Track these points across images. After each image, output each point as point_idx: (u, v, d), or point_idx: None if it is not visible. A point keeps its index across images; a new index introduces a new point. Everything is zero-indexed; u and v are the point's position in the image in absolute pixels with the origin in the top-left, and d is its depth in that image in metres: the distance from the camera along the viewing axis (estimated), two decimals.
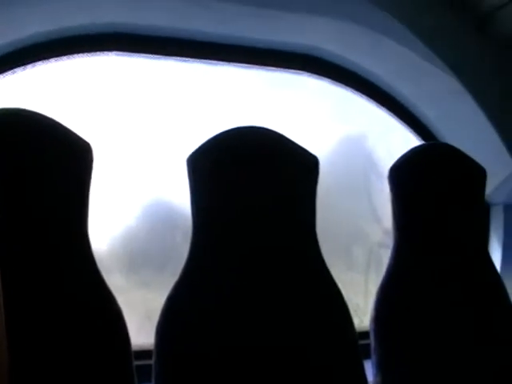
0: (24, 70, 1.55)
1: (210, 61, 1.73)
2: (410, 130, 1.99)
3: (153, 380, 1.09)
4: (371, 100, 1.93)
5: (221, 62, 1.73)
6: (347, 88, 1.89)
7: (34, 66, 1.56)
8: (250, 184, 1.21)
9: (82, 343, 1.01)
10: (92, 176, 1.12)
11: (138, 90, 1.71)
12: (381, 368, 1.30)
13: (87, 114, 1.62)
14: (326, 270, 1.24)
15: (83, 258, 1.07)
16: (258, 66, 1.77)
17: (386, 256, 1.65)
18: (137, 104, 1.71)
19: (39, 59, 1.55)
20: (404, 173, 1.43)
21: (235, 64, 1.75)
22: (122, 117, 1.69)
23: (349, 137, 1.97)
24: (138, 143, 1.70)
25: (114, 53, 1.63)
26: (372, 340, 1.33)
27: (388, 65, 1.84)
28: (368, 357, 1.31)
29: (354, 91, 1.90)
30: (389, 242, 1.63)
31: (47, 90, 1.60)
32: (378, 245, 1.95)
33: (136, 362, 1.08)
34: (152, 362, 1.11)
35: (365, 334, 1.36)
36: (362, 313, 1.76)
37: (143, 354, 1.31)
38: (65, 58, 1.58)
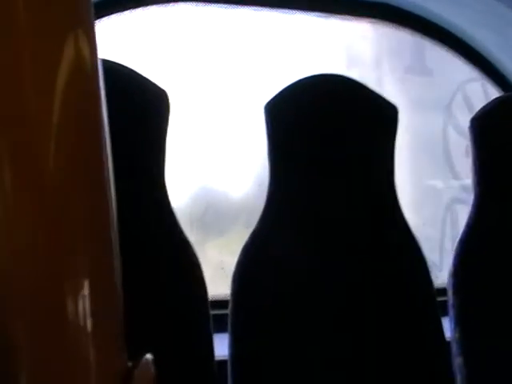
0: (99, 22, 1.56)
1: (285, 9, 1.69)
2: (491, 81, 1.90)
3: (229, 329, 1.10)
4: (451, 50, 1.84)
5: (297, 11, 1.69)
6: (426, 38, 1.81)
7: (109, 18, 1.56)
8: (328, 132, 1.19)
9: (161, 289, 1.03)
10: (169, 124, 1.12)
11: (212, 40, 1.70)
12: (459, 324, 1.26)
13: (163, 64, 1.62)
14: (404, 222, 1.21)
15: (162, 207, 1.08)
16: (336, 16, 1.72)
17: (462, 212, 1.60)
18: (211, 54, 1.70)
19: (114, 11, 1.56)
20: (487, 124, 1.36)
21: (311, 13, 1.70)
22: (196, 67, 1.68)
23: (426, 88, 1.89)
24: (212, 93, 1.70)
25: (189, 2, 1.62)
26: (450, 296, 1.29)
27: (470, 15, 1.74)
28: (443, 314, 1.28)
29: (434, 41, 1.82)
30: (465, 198, 1.58)
31: (122, 41, 1.60)
32: (454, 201, 1.88)
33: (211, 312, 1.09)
34: (227, 311, 1.12)
35: (440, 291, 1.32)
36: (438, 269, 1.72)
37: (217, 303, 1.32)
38: (139, 8, 1.58)
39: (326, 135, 1.20)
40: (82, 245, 0.49)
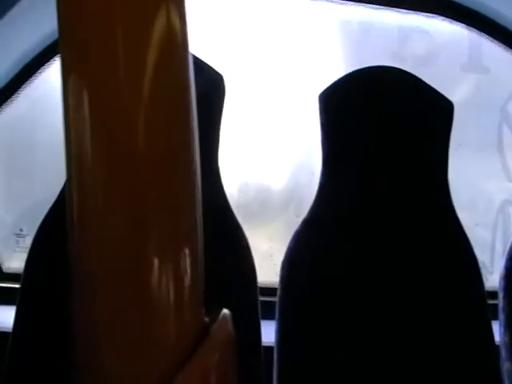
0: None
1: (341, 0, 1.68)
2: None
3: (276, 315, 1.10)
4: (509, 49, 1.79)
5: (348, 2, 1.67)
6: (482, 34, 1.77)
7: None
8: (382, 125, 1.17)
9: (211, 270, 1.03)
10: (223, 109, 1.12)
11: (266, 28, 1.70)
12: (509, 327, 1.23)
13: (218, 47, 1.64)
14: (457, 222, 1.19)
15: (216, 192, 1.09)
16: (391, 8, 1.70)
17: None
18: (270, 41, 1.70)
19: None
20: None
21: (367, 5, 1.69)
22: (251, 53, 1.69)
23: (480, 87, 1.85)
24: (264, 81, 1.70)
25: None
26: (501, 298, 1.25)
27: None
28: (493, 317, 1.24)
29: (491, 38, 1.78)
30: None
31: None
32: (507, 203, 1.84)
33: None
34: (276, 298, 1.11)
35: (490, 294, 1.29)
36: (488, 272, 1.68)
37: (265, 290, 1.32)
38: None
39: (380, 128, 1.18)
40: (170, 215, 0.52)
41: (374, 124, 1.18)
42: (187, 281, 0.53)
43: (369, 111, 1.18)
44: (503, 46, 1.78)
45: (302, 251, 1.11)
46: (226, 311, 0.57)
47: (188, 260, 0.53)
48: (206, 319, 0.55)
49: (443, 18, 1.73)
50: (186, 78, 0.53)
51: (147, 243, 0.50)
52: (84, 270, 0.53)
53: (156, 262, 0.50)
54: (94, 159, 0.49)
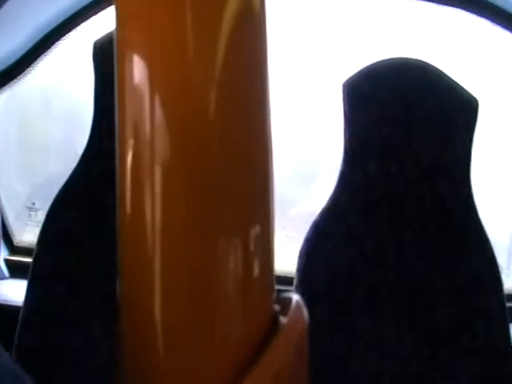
0: None
1: None
2: None
3: None
4: None
5: None
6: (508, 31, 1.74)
7: None
8: (405, 116, 1.16)
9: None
10: None
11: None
12: None
13: None
14: (478, 221, 1.17)
15: None
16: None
17: None
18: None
19: None
20: None
21: None
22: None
23: None
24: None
25: None
26: None
27: None
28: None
29: None
30: None
31: None
32: None
33: None
34: (292, 287, 1.11)
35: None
36: (505, 274, 1.66)
37: (281, 279, 1.31)
38: None
39: (403, 119, 1.17)
40: (240, 195, 0.47)
41: (397, 115, 1.17)
42: (259, 269, 0.47)
43: (392, 102, 1.17)
44: None
45: (320, 241, 1.10)
46: (297, 298, 0.50)
47: (261, 243, 0.47)
48: (277, 307, 0.49)
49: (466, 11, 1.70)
50: (263, 56, 0.49)
51: (216, 229, 0.45)
52: (137, 263, 0.47)
53: (224, 248, 0.45)
54: (154, 144, 0.44)
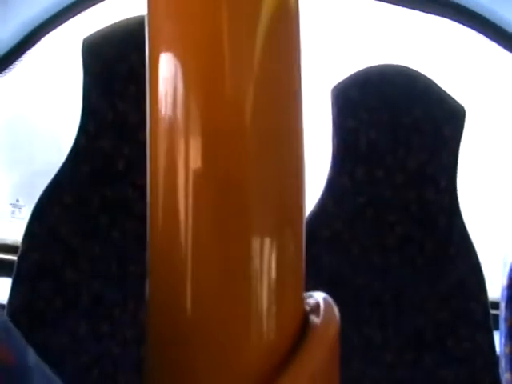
0: None
1: None
2: None
3: None
4: None
5: None
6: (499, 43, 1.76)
7: None
8: (393, 123, 1.17)
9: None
10: None
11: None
12: (510, 338, 1.23)
13: None
14: (462, 227, 1.18)
15: None
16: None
17: None
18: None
19: None
20: None
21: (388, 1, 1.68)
22: None
23: None
24: None
25: None
26: (503, 308, 1.25)
27: None
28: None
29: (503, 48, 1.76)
30: None
31: None
32: None
33: None
34: None
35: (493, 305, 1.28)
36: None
37: None
38: None
39: (391, 125, 1.18)
40: (272, 196, 0.47)
41: (385, 122, 1.18)
42: (291, 269, 0.47)
43: (381, 109, 1.18)
44: None
45: (307, 245, 1.10)
46: (326, 297, 0.51)
47: (293, 244, 0.48)
48: (307, 307, 0.49)
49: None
50: (298, 55, 0.49)
51: (249, 231, 0.45)
52: (168, 266, 0.47)
53: (257, 249, 0.45)
54: (188, 144, 0.44)
